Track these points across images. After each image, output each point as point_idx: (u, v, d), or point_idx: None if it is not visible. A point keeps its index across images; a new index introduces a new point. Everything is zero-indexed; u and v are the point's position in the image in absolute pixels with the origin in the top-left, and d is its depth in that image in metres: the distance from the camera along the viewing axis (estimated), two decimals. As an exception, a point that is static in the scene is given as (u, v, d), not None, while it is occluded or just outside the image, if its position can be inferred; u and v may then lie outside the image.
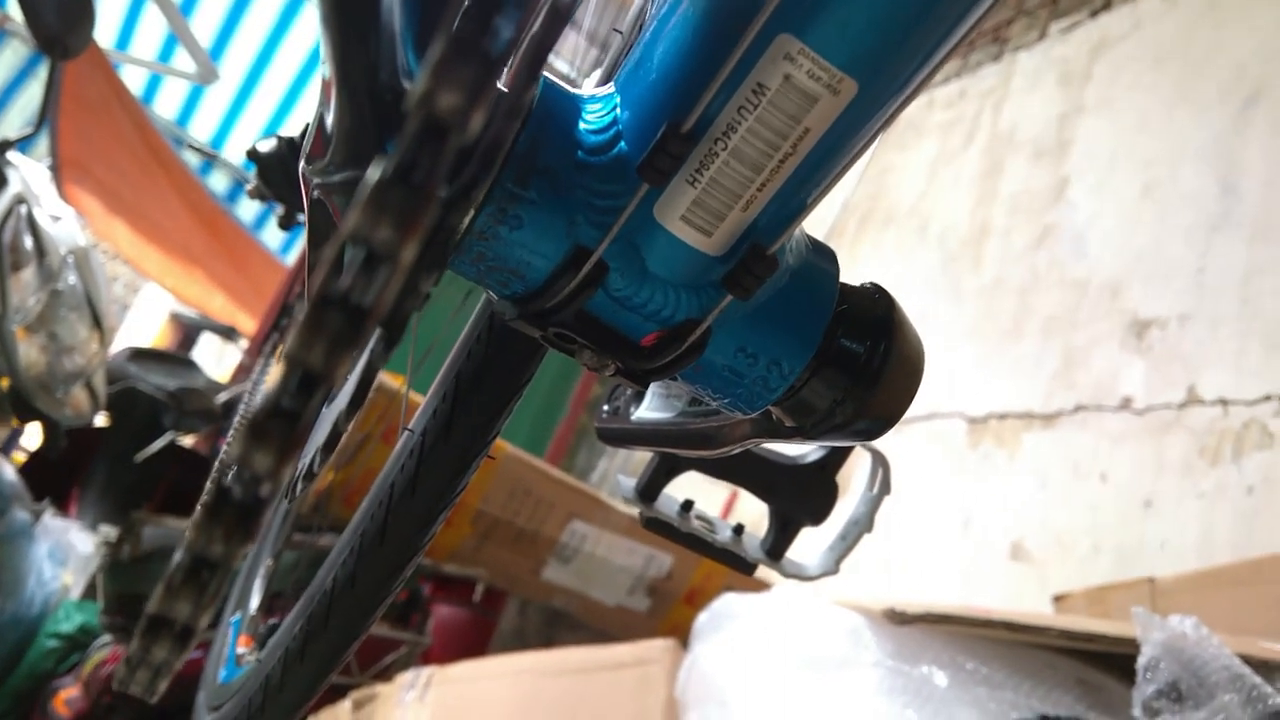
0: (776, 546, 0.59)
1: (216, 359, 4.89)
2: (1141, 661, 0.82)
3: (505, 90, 0.24)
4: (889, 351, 0.39)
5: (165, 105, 4.28)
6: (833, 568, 0.60)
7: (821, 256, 0.40)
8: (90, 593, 1.97)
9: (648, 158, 0.34)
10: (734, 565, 0.59)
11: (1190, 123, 1.98)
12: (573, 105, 0.37)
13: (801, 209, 0.36)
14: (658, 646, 1.15)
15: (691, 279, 0.37)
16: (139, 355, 2.26)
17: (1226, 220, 1.80)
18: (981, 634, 0.95)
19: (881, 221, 2.69)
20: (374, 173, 0.21)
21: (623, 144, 0.36)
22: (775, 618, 1.07)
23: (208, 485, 0.24)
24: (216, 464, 0.61)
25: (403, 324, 0.26)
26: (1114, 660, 0.95)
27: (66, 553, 2.03)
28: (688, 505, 0.60)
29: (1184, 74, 2.06)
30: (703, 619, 1.13)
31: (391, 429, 1.45)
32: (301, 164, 0.40)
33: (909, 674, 0.93)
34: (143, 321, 5.52)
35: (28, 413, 1.67)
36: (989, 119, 2.53)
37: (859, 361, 0.39)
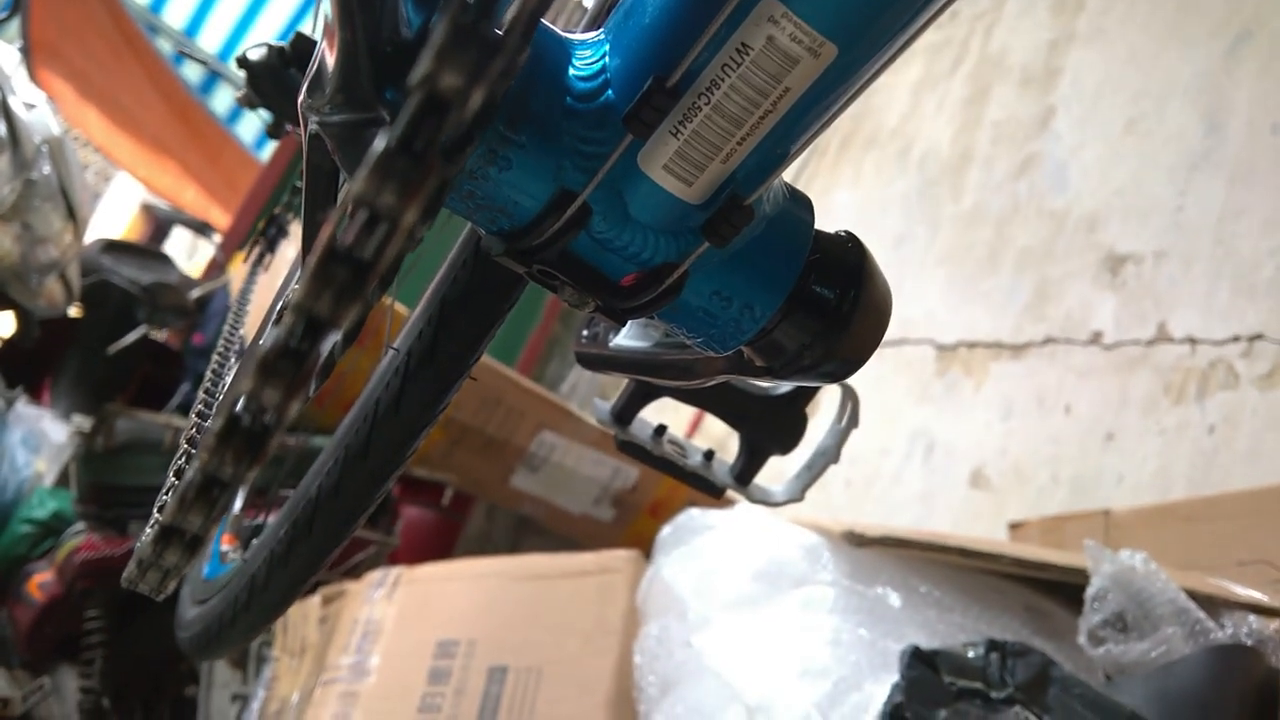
0: (745, 473, 0.61)
1: (188, 253, 4.81)
2: (1090, 592, 0.85)
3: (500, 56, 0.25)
4: (858, 298, 0.40)
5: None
6: (798, 495, 0.63)
7: (798, 205, 0.42)
8: (63, 480, 1.98)
9: (633, 109, 0.35)
10: (703, 489, 0.62)
11: (1179, 58, 1.96)
12: (563, 51, 0.38)
13: (779, 162, 0.38)
14: (621, 556, 1.18)
15: (671, 225, 0.38)
16: (112, 247, 2.23)
17: (1208, 160, 1.80)
18: (936, 558, 0.99)
19: (863, 143, 2.66)
20: (379, 143, 0.23)
21: (610, 92, 0.37)
22: (737, 534, 1.10)
23: (215, 411, 0.26)
24: (217, 391, 0.63)
25: (397, 269, 0.28)
26: (1063, 589, 0.99)
27: (39, 440, 2.04)
28: (660, 430, 0.62)
29: (1178, 7, 2.03)
30: (666, 532, 1.16)
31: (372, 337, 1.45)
32: (301, 97, 0.41)
33: (864, 593, 0.97)
34: (114, 211, 5.40)
35: (1, 301, 1.66)
36: (979, 43, 2.49)
37: (829, 307, 0.41)
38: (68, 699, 1.68)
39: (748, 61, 0.34)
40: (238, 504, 0.83)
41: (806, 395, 0.60)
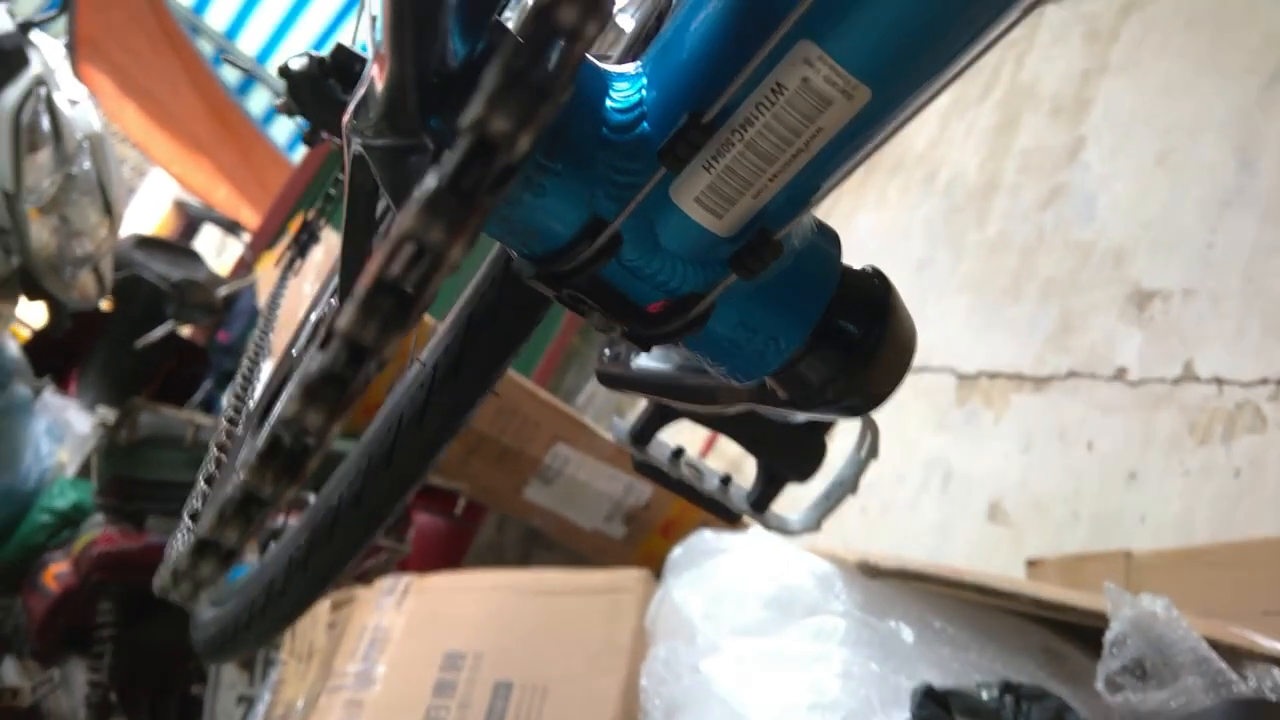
0: (761, 500, 0.61)
1: (217, 251, 4.87)
2: (1109, 636, 0.83)
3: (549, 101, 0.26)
4: (883, 334, 0.41)
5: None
6: (815, 525, 0.62)
7: (825, 239, 0.43)
8: (85, 471, 2.01)
9: (668, 144, 0.36)
10: (719, 514, 0.62)
11: (1214, 92, 1.94)
12: (601, 83, 0.39)
13: (809, 199, 0.38)
14: (632, 576, 1.18)
15: (700, 255, 0.39)
16: (144, 243, 2.26)
17: (1240, 196, 1.78)
18: (952, 593, 0.97)
19: (890, 167, 2.65)
20: (429, 183, 0.24)
21: (645, 125, 0.38)
22: (749, 559, 1.09)
23: (264, 435, 0.27)
24: (247, 396, 0.65)
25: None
26: (1081, 631, 0.97)
27: (64, 430, 2.06)
28: (679, 452, 0.62)
29: (1213, 41, 2.01)
30: (677, 553, 1.15)
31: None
32: (346, 117, 0.43)
33: (876, 626, 0.95)
34: (147, 206, 5.47)
35: (36, 292, 1.68)
36: (1010, 70, 2.48)
37: (854, 342, 0.41)
38: (76, 691, 1.69)
39: (782, 101, 0.35)
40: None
41: (826, 424, 0.60)
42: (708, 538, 1.15)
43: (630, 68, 0.40)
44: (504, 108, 0.23)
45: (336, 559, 0.56)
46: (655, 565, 1.19)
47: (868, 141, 0.37)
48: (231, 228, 2.57)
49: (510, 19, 0.42)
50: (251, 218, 3.93)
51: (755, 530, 1.17)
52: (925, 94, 0.36)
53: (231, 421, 0.61)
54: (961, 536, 1.90)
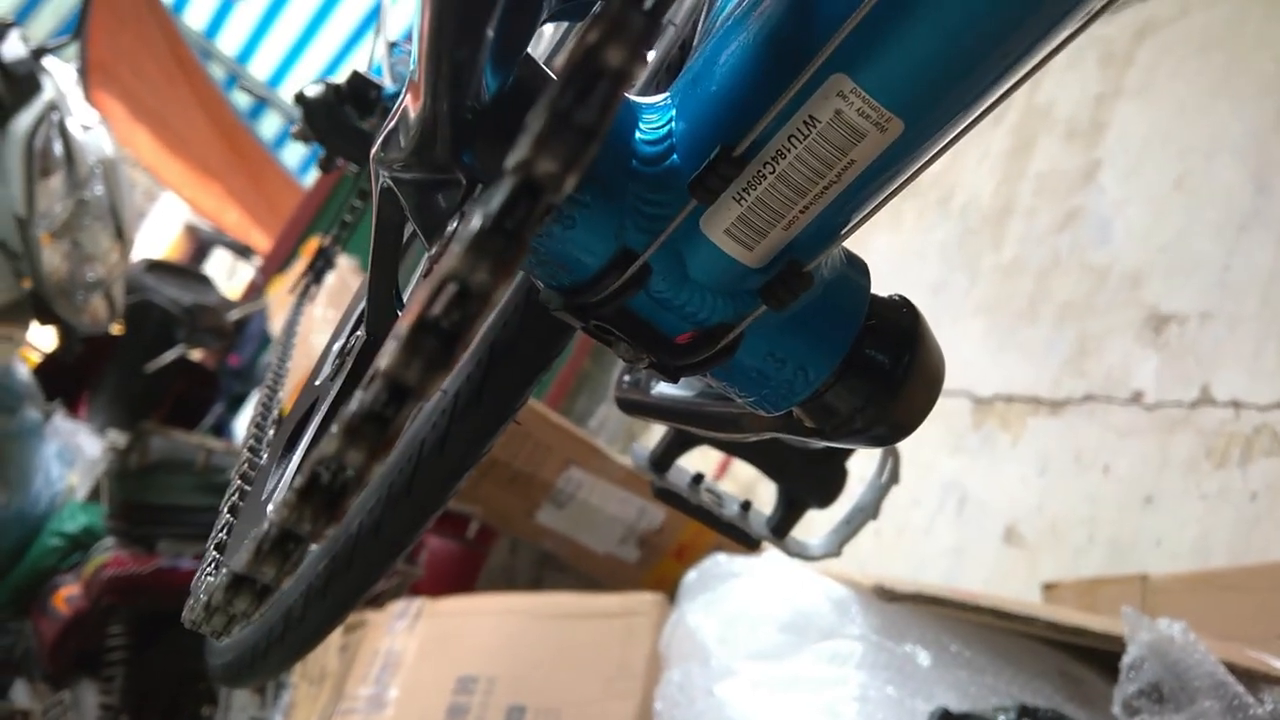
0: (782, 525, 0.61)
1: (228, 274, 4.90)
2: (1126, 660, 0.83)
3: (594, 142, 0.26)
4: (911, 364, 0.41)
5: (195, 16, 4.24)
6: (835, 551, 0.62)
7: (854, 270, 0.42)
8: (95, 495, 2.01)
9: (699, 176, 0.36)
10: (739, 540, 0.61)
11: (1230, 116, 1.94)
12: (631, 115, 0.39)
13: (840, 231, 0.38)
14: (646, 600, 1.17)
15: (729, 287, 0.39)
16: (155, 267, 2.28)
17: (1257, 219, 1.77)
18: (968, 618, 0.96)
19: (905, 191, 2.65)
20: (475, 223, 0.24)
21: (675, 156, 0.37)
22: (763, 582, 1.08)
23: (299, 470, 0.26)
24: (267, 425, 0.65)
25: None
26: (1098, 655, 0.96)
27: (74, 454, 2.06)
28: (698, 478, 0.61)
29: (1228, 65, 2.01)
30: (691, 577, 1.15)
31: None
32: (374, 150, 0.42)
33: (893, 650, 0.94)
34: (158, 230, 5.52)
35: (47, 316, 1.69)
36: (1025, 94, 2.48)
37: (882, 372, 0.41)
38: (86, 714, 1.69)
39: (814, 134, 0.35)
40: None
41: (847, 451, 0.59)
42: (721, 561, 1.14)
43: (658, 99, 0.40)
44: (550, 149, 0.23)
45: (356, 587, 0.56)
46: (668, 589, 1.18)
47: (900, 174, 0.37)
48: (243, 252, 2.58)
49: (539, 54, 0.42)
50: (262, 242, 3.95)
51: (770, 554, 1.16)
52: (958, 127, 0.36)
53: (253, 451, 0.61)
54: (977, 560, 1.88)
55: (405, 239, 0.53)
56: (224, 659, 0.63)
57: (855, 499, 0.61)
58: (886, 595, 0.96)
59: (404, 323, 0.24)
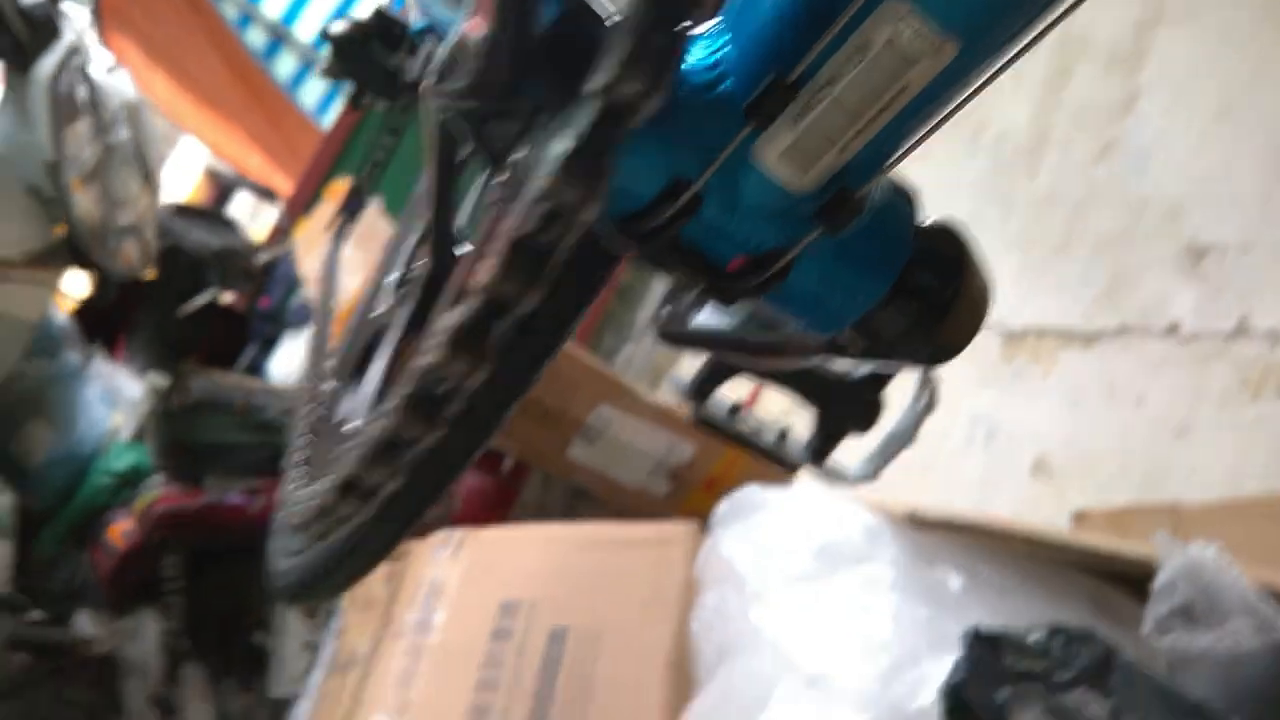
0: (820, 451, 0.62)
1: (250, 216, 4.91)
2: (1158, 582, 0.84)
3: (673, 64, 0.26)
4: (959, 288, 0.42)
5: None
6: (873, 475, 0.63)
7: (903, 195, 0.43)
8: (139, 435, 2.07)
9: (754, 102, 0.36)
10: (778, 464, 0.62)
11: (1274, 44, 1.88)
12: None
13: (892, 155, 0.39)
14: (680, 528, 1.20)
15: (782, 212, 0.39)
16: (181, 212, 2.30)
17: (1300, 149, 1.74)
18: (999, 545, 0.98)
19: (937, 123, 2.60)
20: (563, 145, 0.25)
21: (728, 83, 0.38)
22: (795, 511, 1.10)
23: (399, 383, 0.28)
24: (324, 359, 0.67)
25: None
26: (1128, 581, 0.98)
27: (116, 396, 2.11)
28: (736, 408, 0.63)
29: (1275, -11, 1.95)
30: (723, 507, 1.16)
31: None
32: (429, 80, 0.42)
33: (924, 575, 0.96)
34: (179, 175, 5.53)
35: (82, 262, 1.72)
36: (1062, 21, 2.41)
37: (931, 295, 0.42)
38: (148, 640, 1.76)
39: (869, 58, 0.35)
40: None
41: (885, 377, 0.60)
42: (753, 492, 1.16)
43: (709, 26, 0.39)
44: (635, 71, 0.24)
45: (416, 508, 0.58)
46: (699, 521, 1.20)
47: (955, 97, 0.37)
48: (266, 194, 2.59)
49: None
50: (284, 184, 3.95)
51: (801, 485, 1.18)
52: (1012, 49, 0.36)
53: (313, 383, 0.63)
54: (1005, 493, 1.89)
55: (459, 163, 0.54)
56: (289, 579, 0.66)
57: (891, 425, 0.63)
58: (918, 522, 0.98)
59: (498, 243, 0.25)
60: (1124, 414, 1.77)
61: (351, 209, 1.06)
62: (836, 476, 0.64)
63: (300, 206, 3.20)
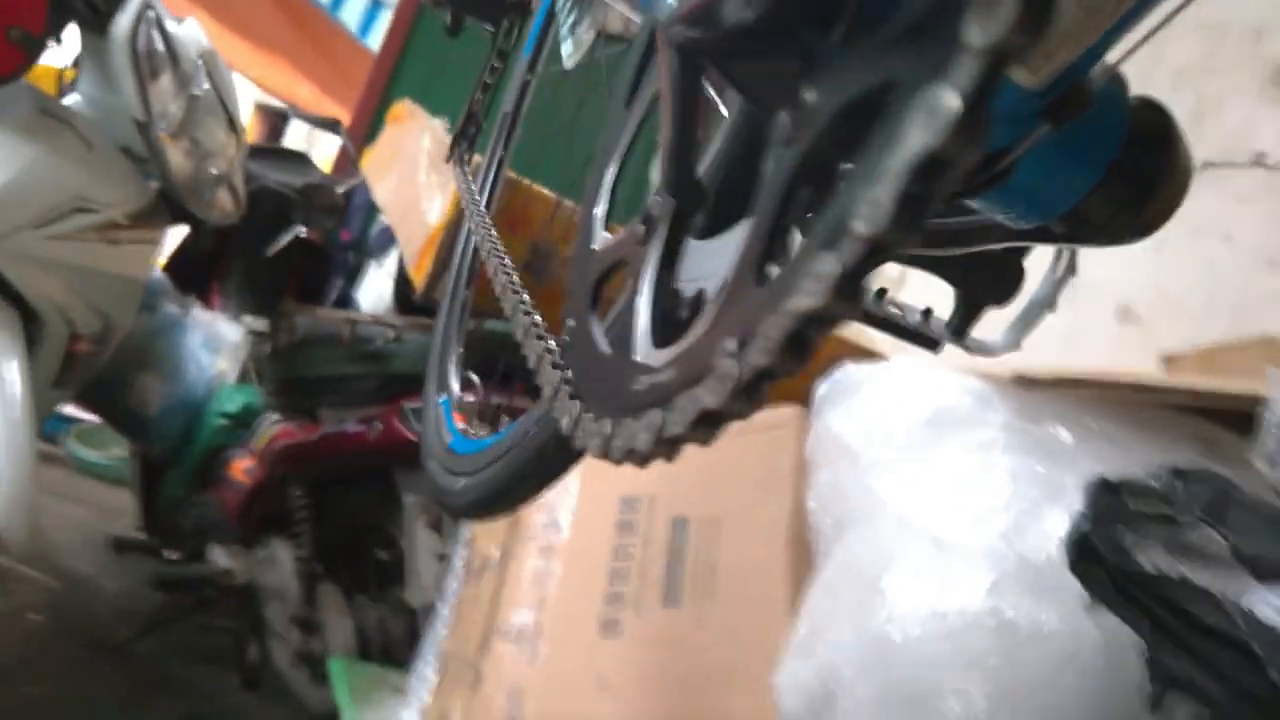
0: (961, 326, 0.63)
1: (305, 149, 4.91)
2: (1270, 416, 0.86)
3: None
4: (1166, 166, 0.43)
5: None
6: (1016, 345, 0.65)
7: (1114, 81, 0.43)
8: (244, 377, 2.16)
9: None
10: (922, 344, 0.65)
11: None
12: None
13: (1112, 45, 0.39)
14: (787, 413, 1.23)
15: (1009, 112, 0.39)
16: (255, 153, 2.33)
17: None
18: (1104, 395, 1.00)
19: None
20: (952, 101, 0.25)
21: None
22: (897, 385, 1.12)
23: (775, 327, 0.29)
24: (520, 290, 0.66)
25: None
26: (1231, 418, 0.99)
27: (218, 342, 2.20)
28: (882, 292, 0.65)
29: None
30: (824, 389, 1.18)
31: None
32: (672, 25, 0.41)
33: (1035, 433, 0.99)
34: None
35: (180, 215, 1.76)
36: None
37: (1141, 176, 0.42)
38: (283, 567, 1.89)
39: None
40: (455, 385, 0.92)
41: (1025, 248, 0.61)
42: (851, 370, 1.17)
43: None
44: (1024, 22, 0.23)
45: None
46: (796, 403, 1.22)
47: None
48: (330, 125, 2.59)
49: None
50: (336, 111, 3.94)
51: (899, 358, 1.20)
52: None
53: (527, 313, 0.62)
54: (1089, 342, 1.89)
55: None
56: (466, 498, 0.72)
57: (1031, 294, 0.64)
58: (1025, 382, 1.00)
59: (885, 191, 0.26)
60: (1210, 251, 1.74)
61: (469, 135, 1.06)
62: (980, 350, 0.65)
63: (362, 134, 3.20)
